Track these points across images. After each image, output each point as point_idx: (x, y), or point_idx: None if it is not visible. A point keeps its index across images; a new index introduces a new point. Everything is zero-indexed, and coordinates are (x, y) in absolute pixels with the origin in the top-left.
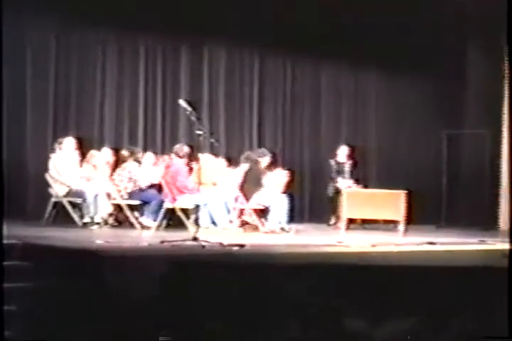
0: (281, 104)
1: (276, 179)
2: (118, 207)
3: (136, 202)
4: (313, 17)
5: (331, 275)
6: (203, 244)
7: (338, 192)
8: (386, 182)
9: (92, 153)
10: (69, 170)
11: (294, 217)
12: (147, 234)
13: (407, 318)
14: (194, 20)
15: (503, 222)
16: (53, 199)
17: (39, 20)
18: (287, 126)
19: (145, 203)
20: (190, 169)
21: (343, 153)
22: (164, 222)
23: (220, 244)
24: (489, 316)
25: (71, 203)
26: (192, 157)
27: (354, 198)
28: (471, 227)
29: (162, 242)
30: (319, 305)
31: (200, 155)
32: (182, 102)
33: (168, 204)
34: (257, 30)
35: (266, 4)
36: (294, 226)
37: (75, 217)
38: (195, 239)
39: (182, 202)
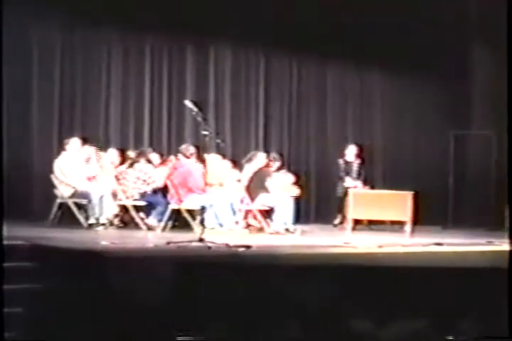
0: (287, 103)
1: (283, 180)
2: (123, 208)
3: (142, 203)
4: (319, 17)
5: (338, 276)
6: (209, 245)
7: (347, 192)
8: (392, 182)
9: (98, 154)
10: (74, 171)
11: (299, 217)
12: (153, 235)
13: (413, 319)
14: (200, 20)
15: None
16: (58, 200)
17: (44, 20)
18: (293, 126)
19: (150, 204)
20: (201, 169)
21: (351, 152)
22: (170, 223)
23: (226, 245)
24: (494, 316)
25: (76, 204)
26: (199, 157)
27: (360, 199)
28: (477, 228)
29: (168, 243)
30: (325, 306)
31: (206, 155)
32: (188, 103)
33: (173, 206)
34: (262, 30)
35: (271, 4)
36: (299, 227)
37: (81, 218)
38: (201, 240)
39: (188, 203)
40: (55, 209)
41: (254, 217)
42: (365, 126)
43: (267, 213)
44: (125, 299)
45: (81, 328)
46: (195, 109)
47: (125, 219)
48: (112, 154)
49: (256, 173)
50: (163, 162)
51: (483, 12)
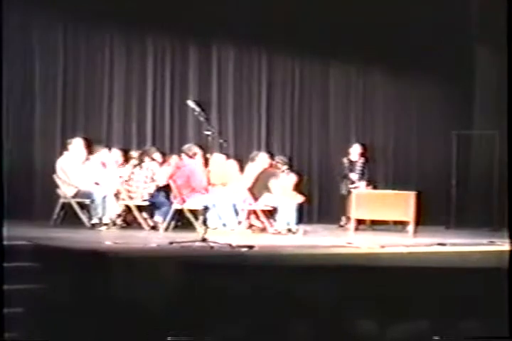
0: (289, 103)
1: (285, 181)
2: (127, 208)
3: (145, 203)
4: (321, 17)
5: (340, 276)
6: (212, 245)
7: (350, 191)
8: (395, 182)
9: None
10: (77, 170)
11: (302, 217)
12: (156, 235)
13: (416, 319)
14: (202, 20)
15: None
16: (61, 200)
17: (47, 21)
18: (296, 126)
19: (154, 204)
20: (204, 168)
21: (355, 151)
22: (173, 223)
23: (229, 245)
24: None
25: (79, 204)
26: (202, 157)
27: (363, 199)
28: (480, 228)
29: (171, 243)
30: (328, 306)
31: (210, 155)
32: (190, 103)
33: (176, 206)
34: (265, 30)
35: (274, 4)
36: (302, 227)
37: (83, 218)
38: (203, 240)
39: (191, 203)
40: (57, 209)
41: (257, 217)
42: (368, 125)
43: (270, 213)
44: (128, 299)
45: (83, 328)
46: (198, 109)
47: (128, 219)
48: (116, 154)
49: (260, 174)
50: (164, 161)
51: (485, 12)
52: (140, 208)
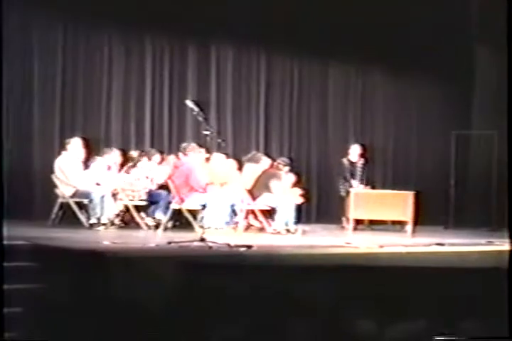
0: (288, 103)
1: (284, 181)
2: (125, 208)
3: (144, 203)
4: (320, 17)
5: (339, 276)
6: (210, 244)
7: (349, 192)
8: (394, 182)
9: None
10: (75, 170)
11: (301, 217)
12: (154, 234)
13: (415, 319)
14: (201, 20)
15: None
16: (60, 200)
17: (46, 21)
18: (294, 126)
19: (152, 203)
20: (202, 167)
21: (355, 152)
22: (171, 223)
23: (228, 244)
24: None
25: (78, 204)
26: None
27: (362, 199)
28: (478, 228)
29: (169, 243)
30: (326, 306)
31: (209, 154)
32: (189, 103)
33: (175, 205)
34: (264, 30)
35: (273, 4)
36: (301, 227)
37: (82, 217)
38: (202, 239)
39: (189, 202)
40: (56, 208)
41: (255, 217)
42: (367, 125)
43: (268, 213)
44: (126, 299)
45: (81, 328)
46: (197, 109)
47: (126, 219)
48: (114, 154)
49: (261, 175)
50: (162, 159)
51: (484, 12)
52: (138, 208)
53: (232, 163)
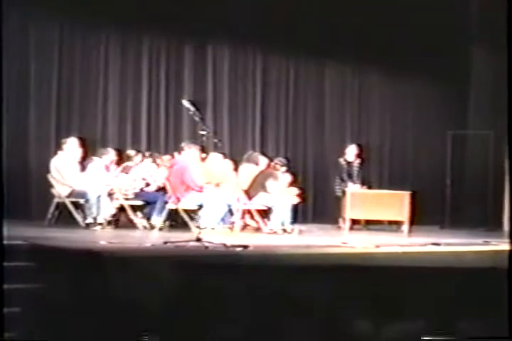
0: (284, 103)
1: (281, 181)
2: (121, 208)
3: (140, 203)
4: (317, 17)
5: (335, 276)
6: (207, 244)
7: (345, 192)
8: (390, 182)
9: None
10: (71, 170)
11: (297, 217)
12: (150, 234)
13: (411, 319)
14: (197, 20)
15: (506, 223)
16: (56, 200)
17: (42, 21)
18: (291, 125)
19: (148, 204)
20: (197, 165)
21: (351, 152)
22: (167, 223)
23: (224, 244)
24: (492, 316)
25: (74, 204)
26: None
27: (358, 199)
28: (475, 228)
29: (165, 243)
30: (323, 305)
31: (206, 154)
32: (185, 102)
33: (171, 205)
34: (260, 30)
35: (269, 4)
36: (297, 226)
37: (78, 217)
38: (198, 239)
39: (185, 202)
40: (52, 208)
41: (252, 217)
42: (363, 125)
43: (265, 213)
44: (123, 298)
45: (78, 327)
46: (193, 109)
47: (122, 219)
48: (111, 154)
49: (258, 175)
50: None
51: (482, 12)
52: (134, 208)
53: (229, 163)
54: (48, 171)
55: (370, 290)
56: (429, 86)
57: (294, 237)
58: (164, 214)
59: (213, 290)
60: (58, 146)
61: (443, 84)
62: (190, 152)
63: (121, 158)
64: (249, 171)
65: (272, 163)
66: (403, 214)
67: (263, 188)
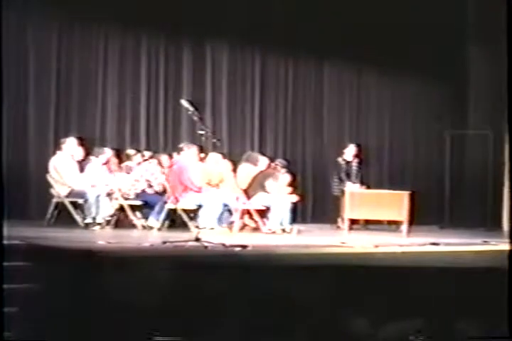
0: (283, 103)
1: (280, 181)
2: (120, 208)
3: (139, 203)
4: (316, 17)
5: (334, 275)
6: (206, 244)
7: (343, 191)
8: (389, 182)
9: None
10: (70, 170)
11: (296, 217)
12: (149, 234)
13: (410, 319)
14: (196, 20)
15: (505, 223)
16: (55, 200)
17: (41, 20)
18: (289, 125)
19: (147, 204)
20: (195, 165)
21: (350, 152)
22: (167, 223)
23: (223, 244)
24: (490, 317)
25: (73, 203)
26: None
27: (357, 198)
28: (474, 228)
29: (164, 243)
30: (322, 305)
31: (205, 154)
32: (184, 102)
33: (170, 205)
34: (259, 30)
35: (268, 5)
36: (296, 226)
37: (77, 217)
38: (197, 239)
39: (184, 202)
40: (51, 208)
41: (250, 217)
42: (362, 125)
43: (263, 213)
44: (121, 298)
45: (76, 327)
46: (191, 109)
47: (122, 219)
48: (107, 153)
49: (258, 175)
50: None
51: (481, 12)
52: (134, 208)
53: (227, 163)
54: (47, 171)
55: (369, 289)
56: (427, 86)
57: (293, 237)
58: (163, 214)
59: (212, 290)
60: (57, 146)
61: (442, 84)
62: (189, 152)
63: (121, 158)
64: (248, 171)
65: (273, 164)
66: (402, 214)
67: (262, 188)
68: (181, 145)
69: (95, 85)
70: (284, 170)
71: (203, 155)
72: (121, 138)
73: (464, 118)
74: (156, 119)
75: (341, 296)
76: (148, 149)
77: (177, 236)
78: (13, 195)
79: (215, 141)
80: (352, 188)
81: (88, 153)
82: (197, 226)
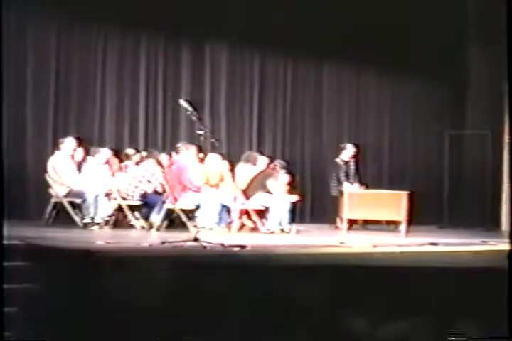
0: (282, 103)
1: (280, 181)
2: (119, 208)
3: (138, 203)
4: (315, 17)
5: (332, 275)
6: (204, 244)
7: (342, 192)
8: (388, 182)
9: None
10: (69, 170)
11: (295, 217)
12: (148, 234)
13: (409, 319)
14: (195, 20)
15: (505, 223)
16: (53, 200)
17: (40, 20)
18: (288, 125)
19: (146, 204)
20: (195, 165)
21: (349, 152)
22: (165, 223)
23: (222, 244)
24: (490, 317)
25: (71, 203)
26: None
27: (356, 199)
28: (473, 228)
29: (163, 243)
30: (320, 305)
31: (204, 155)
32: (183, 102)
33: (168, 205)
34: (258, 30)
35: (268, 5)
36: (294, 226)
37: (76, 217)
38: (196, 239)
39: (183, 202)
40: (49, 208)
41: (249, 217)
42: (360, 125)
43: (262, 213)
44: (120, 299)
45: (75, 328)
46: (190, 109)
47: (120, 219)
48: (107, 153)
49: (257, 175)
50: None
51: (481, 12)
52: (132, 208)
53: (226, 164)
54: (45, 171)
55: (368, 290)
56: (427, 86)
57: (292, 237)
58: (162, 214)
59: (211, 290)
60: (56, 146)
61: (442, 84)
62: (188, 152)
63: (120, 158)
64: (247, 171)
65: (272, 165)
66: (401, 214)
67: (261, 188)
68: (178, 145)
69: (94, 85)
70: (283, 172)
71: (201, 155)
72: (119, 138)
73: (463, 118)
74: (155, 119)
75: (340, 296)
76: (146, 149)
77: (176, 237)
78: (12, 194)
79: (213, 140)
80: (351, 188)
81: (87, 153)
82: (195, 226)
